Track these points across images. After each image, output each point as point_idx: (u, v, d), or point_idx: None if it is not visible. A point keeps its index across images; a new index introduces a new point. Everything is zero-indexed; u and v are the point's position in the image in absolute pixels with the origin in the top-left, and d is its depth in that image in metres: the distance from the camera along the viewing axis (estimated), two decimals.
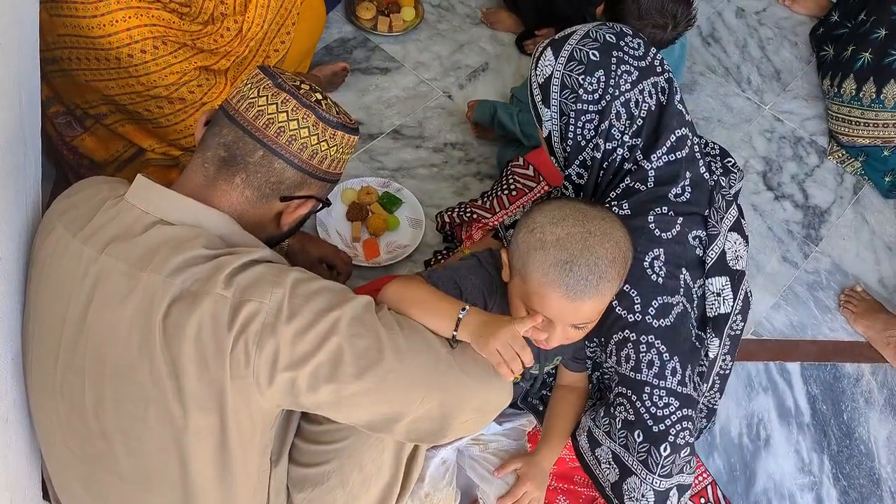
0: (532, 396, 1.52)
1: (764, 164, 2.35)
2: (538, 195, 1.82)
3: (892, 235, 2.23)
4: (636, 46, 1.31)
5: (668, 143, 1.29)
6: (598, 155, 1.30)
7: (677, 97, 1.32)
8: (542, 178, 1.84)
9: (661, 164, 1.29)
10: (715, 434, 1.80)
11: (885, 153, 2.26)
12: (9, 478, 1.14)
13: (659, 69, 1.32)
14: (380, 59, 2.48)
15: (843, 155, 2.37)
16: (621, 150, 1.30)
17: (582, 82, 1.28)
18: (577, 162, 1.34)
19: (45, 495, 1.29)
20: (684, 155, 1.31)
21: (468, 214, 1.88)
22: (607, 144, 1.29)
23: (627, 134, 1.29)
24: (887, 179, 2.28)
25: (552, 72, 1.30)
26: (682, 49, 2.10)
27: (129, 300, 1.00)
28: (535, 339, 1.19)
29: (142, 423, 1.02)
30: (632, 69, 1.29)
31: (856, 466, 1.84)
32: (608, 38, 1.29)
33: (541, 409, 1.51)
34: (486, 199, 1.92)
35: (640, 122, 1.29)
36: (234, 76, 1.81)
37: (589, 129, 1.30)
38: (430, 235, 2.05)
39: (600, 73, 1.28)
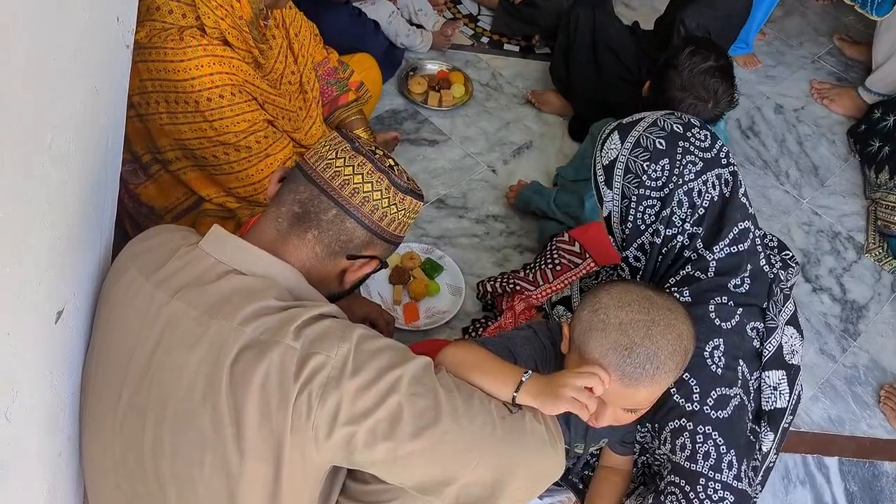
0: (573, 475, 1.49)
1: (801, 257, 2.35)
2: (584, 272, 1.83)
3: None
4: (703, 138, 1.32)
5: (731, 236, 1.29)
6: (658, 240, 1.31)
7: (741, 190, 1.33)
8: (587, 255, 1.85)
9: (723, 255, 1.29)
10: None
11: None
12: None
13: (724, 161, 1.32)
14: (428, 131, 2.54)
15: (881, 253, 2.36)
16: (681, 238, 1.30)
17: (646, 169, 1.29)
18: (636, 245, 1.34)
19: None
20: (746, 247, 1.30)
21: (511, 285, 1.89)
22: (667, 231, 1.30)
23: (688, 222, 1.29)
24: None
25: (617, 155, 1.32)
26: (725, 142, 2.15)
27: (198, 345, 1.01)
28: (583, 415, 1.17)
29: (198, 468, 1.01)
30: (697, 160, 1.29)
31: None
32: (675, 129, 1.31)
33: (580, 487, 1.47)
34: (528, 272, 1.93)
35: (701, 211, 1.29)
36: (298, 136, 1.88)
37: (650, 215, 1.31)
38: (469, 303, 2.06)
39: (665, 161, 1.29)
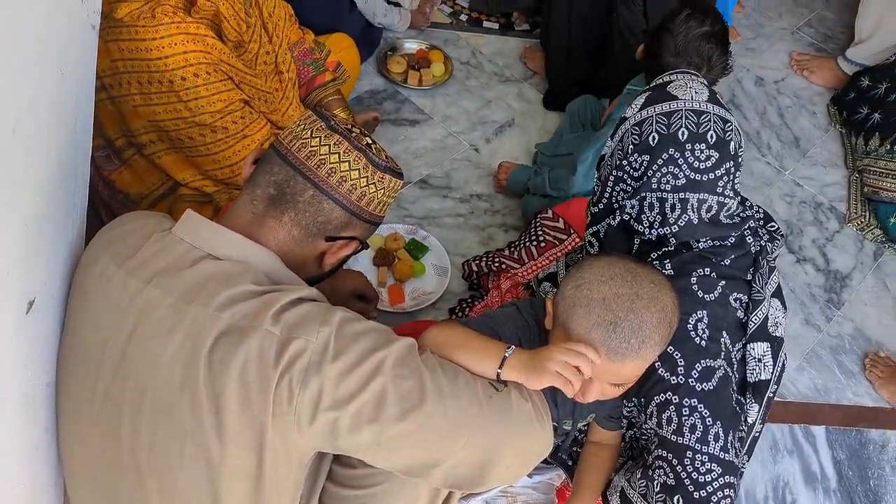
0: (562, 452, 1.47)
1: (785, 228, 2.34)
2: (569, 248, 1.80)
3: None
4: (703, 158, 1.21)
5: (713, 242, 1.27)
6: (614, 223, 1.29)
7: (724, 213, 1.26)
8: (572, 231, 1.83)
9: (707, 247, 1.27)
10: (741, 497, 1.75)
11: None
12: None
13: (718, 191, 1.23)
14: (409, 111, 2.50)
15: (863, 222, 2.36)
16: (652, 234, 1.27)
17: (629, 153, 1.25)
18: (602, 225, 1.33)
19: None
20: (731, 243, 1.28)
21: (496, 264, 1.86)
22: (636, 225, 1.28)
23: (657, 229, 1.26)
24: None
25: (628, 117, 1.28)
26: None
27: (174, 333, 0.97)
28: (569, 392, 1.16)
29: (177, 458, 0.98)
30: (680, 175, 1.22)
31: None
32: (679, 133, 1.22)
33: (570, 464, 1.46)
34: (513, 250, 1.90)
35: (675, 228, 1.24)
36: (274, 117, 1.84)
37: (622, 196, 1.28)
38: (455, 283, 2.03)
39: (646, 158, 1.23)
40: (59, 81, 1.06)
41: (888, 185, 2.30)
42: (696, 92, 1.26)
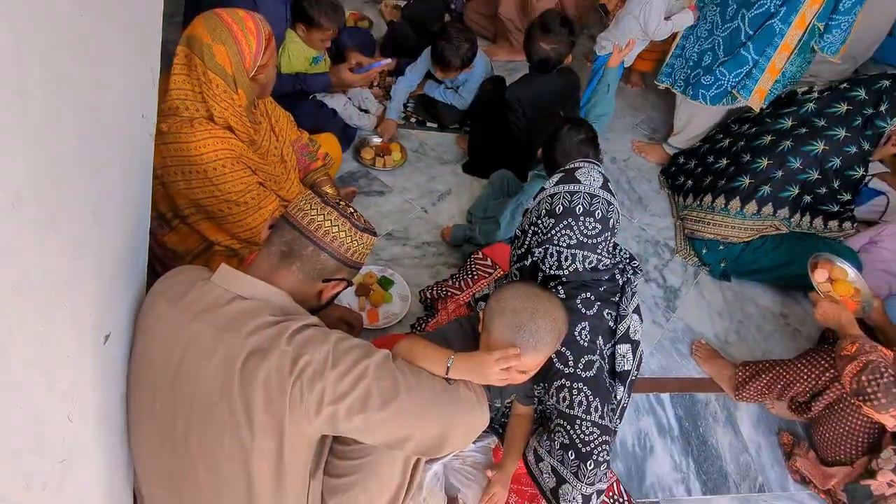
0: (495, 423, 1.47)
1: (637, 258, 2.41)
2: (495, 278, 1.82)
3: (719, 306, 2.30)
4: (591, 228, 1.27)
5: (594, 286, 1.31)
6: (527, 264, 1.32)
7: (605, 264, 1.30)
8: (497, 267, 1.85)
9: (588, 279, 1.31)
10: (616, 447, 1.77)
11: (721, 247, 2.36)
12: (113, 488, 1.03)
13: (598, 250, 1.28)
14: (377, 185, 2.50)
15: (686, 252, 2.46)
16: (551, 273, 1.31)
17: (542, 215, 1.30)
18: (521, 264, 1.36)
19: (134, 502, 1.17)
20: (605, 278, 1.32)
21: (444, 292, 1.87)
22: (541, 265, 1.31)
23: (554, 270, 1.29)
24: (722, 265, 2.38)
25: (546, 189, 1.32)
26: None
27: (215, 355, 0.95)
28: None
29: (218, 447, 0.95)
30: (573, 237, 1.26)
31: (710, 465, 1.82)
32: (576, 209, 1.27)
33: (500, 431, 1.46)
34: (455, 281, 1.91)
35: (566, 272, 1.28)
36: (281, 193, 1.82)
37: (534, 244, 1.31)
38: (414, 307, 2.02)
39: (552, 221, 1.28)
40: (128, 175, 1.03)
41: (699, 228, 2.41)
42: (594, 179, 1.30)
